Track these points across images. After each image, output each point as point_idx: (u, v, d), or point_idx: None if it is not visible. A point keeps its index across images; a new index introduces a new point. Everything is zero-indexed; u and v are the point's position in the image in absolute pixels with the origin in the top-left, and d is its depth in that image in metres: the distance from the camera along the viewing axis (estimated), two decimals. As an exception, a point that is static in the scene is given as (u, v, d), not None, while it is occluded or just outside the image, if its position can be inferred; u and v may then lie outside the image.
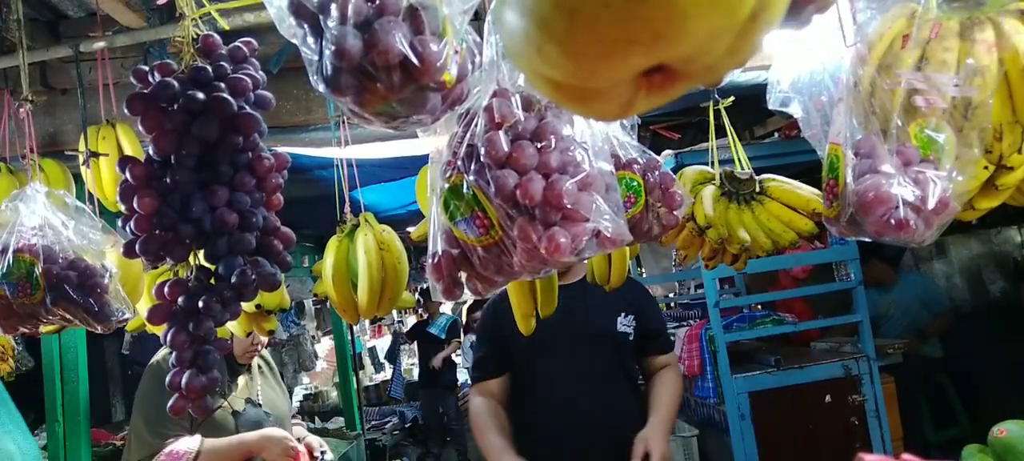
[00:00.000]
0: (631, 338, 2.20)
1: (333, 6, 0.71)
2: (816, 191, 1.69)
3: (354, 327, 6.03)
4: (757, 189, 1.75)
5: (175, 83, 1.00)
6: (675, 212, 1.23)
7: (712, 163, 1.81)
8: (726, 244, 1.74)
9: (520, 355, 2.18)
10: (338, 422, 5.20)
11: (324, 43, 0.72)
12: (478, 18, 0.98)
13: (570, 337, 2.14)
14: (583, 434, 2.08)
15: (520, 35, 0.38)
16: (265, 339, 2.25)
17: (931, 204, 1.04)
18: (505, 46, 0.43)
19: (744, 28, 0.36)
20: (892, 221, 1.05)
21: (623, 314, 2.21)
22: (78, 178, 1.76)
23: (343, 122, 1.64)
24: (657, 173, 1.20)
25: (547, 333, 2.08)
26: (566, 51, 0.37)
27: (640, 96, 0.42)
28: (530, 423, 2.15)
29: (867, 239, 1.19)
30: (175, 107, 1.01)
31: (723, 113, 1.79)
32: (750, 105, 1.83)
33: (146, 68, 1.03)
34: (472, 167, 0.90)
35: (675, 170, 2.02)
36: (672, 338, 2.51)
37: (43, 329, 1.36)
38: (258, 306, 1.58)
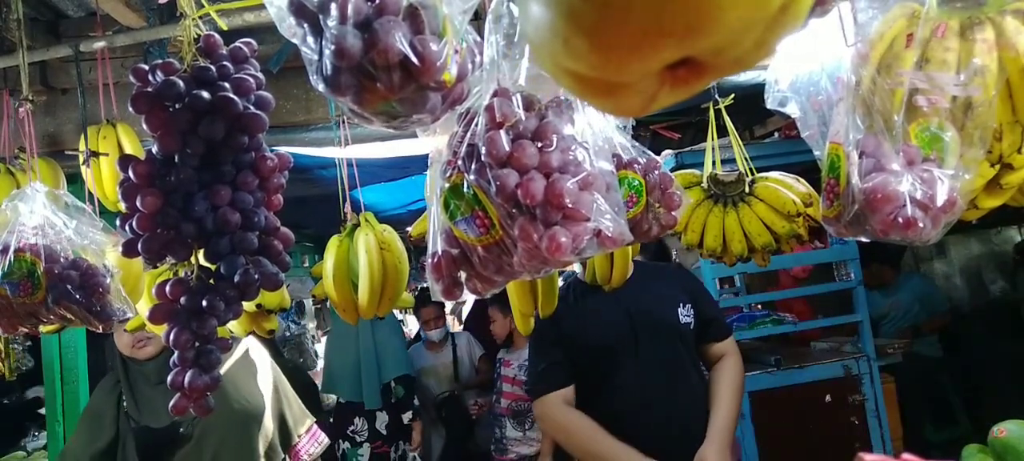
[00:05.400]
0: (692, 328, 2.12)
1: (333, 6, 0.71)
2: (804, 189, 1.69)
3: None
4: (746, 190, 1.75)
5: (180, 82, 1.01)
6: (673, 212, 1.23)
7: (713, 163, 1.81)
8: (700, 248, 1.75)
9: (588, 360, 2.06)
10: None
11: (324, 43, 0.72)
12: (478, 18, 0.98)
13: (638, 337, 2.04)
14: (664, 439, 1.97)
15: (545, 27, 0.38)
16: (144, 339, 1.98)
17: (939, 202, 1.04)
18: (527, 39, 0.42)
19: (774, 20, 0.36)
20: (900, 220, 1.04)
21: (682, 304, 2.12)
22: (71, 178, 1.77)
23: (343, 122, 1.65)
24: (657, 173, 1.21)
25: (613, 335, 2.05)
26: (595, 43, 0.36)
27: (664, 90, 0.41)
28: (605, 425, 2.00)
29: (867, 239, 1.19)
30: (180, 106, 1.01)
31: (723, 113, 1.79)
32: (750, 105, 1.83)
33: (146, 67, 1.03)
34: (473, 166, 0.90)
35: (674, 170, 2.02)
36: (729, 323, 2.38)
37: (43, 329, 1.37)
38: (259, 306, 1.58)
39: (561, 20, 0.36)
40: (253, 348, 2.20)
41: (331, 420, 4.07)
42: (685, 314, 2.12)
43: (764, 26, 0.36)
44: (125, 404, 1.97)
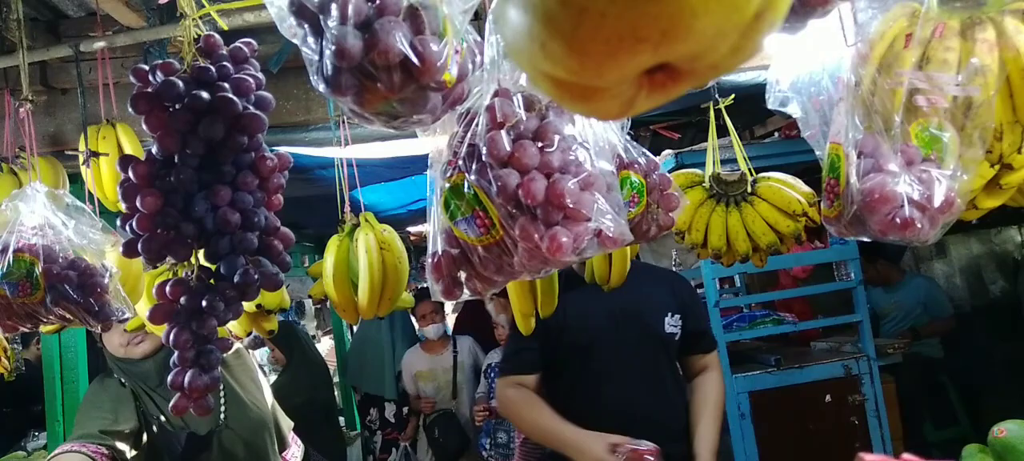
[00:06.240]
0: (677, 338, 2.13)
1: (333, 6, 0.71)
2: (808, 190, 1.69)
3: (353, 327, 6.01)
4: (748, 189, 1.75)
5: (180, 83, 1.01)
6: (671, 213, 1.23)
7: (715, 163, 1.81)
8: (703, 247, 1.75)
9: (566, 354, 2.09)
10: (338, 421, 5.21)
11: (324, 43, 0.72)
12: (478, 18, 0.98)
13: (617, 338, 2.06)
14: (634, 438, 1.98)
15: (523, 31, 0.38)
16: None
17: (937, 203, 1.04)
18: (506, 43, 0.43)
19: (749, 27, 0.36)
20: (897, 220, 1.04)
21: (671, 313, 2.12)
22: (71, 178, 1.76)
23: (343, 122, 1.64)
24: (656, 174, 1.21)
25: (596, 332, 2.07)
26: (572, 48, 0.36)
27: (641, 95, 0.42)
28: (577, 424, 2.02)
29: (867, 239, 1.19)
30: (180, 106, 1.01)
31: (723, 113, 1.79)
32: (750, 105, 1.83)
33: (146, 67, 1.03)
34: (473, 167, 0.90)
35: (674, 170, 2.02)
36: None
37: (43, 329, 1.37)
38: (259, 306, 1.58)
39: (538, 25, 0.37)
40: (243, 352, 2.18)
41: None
42: (672, 323, 2.12)
43: (739, 33, 0.36)
44: (143, 405, 1.94)
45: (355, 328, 5.29)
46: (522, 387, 2.10)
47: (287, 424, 2.23)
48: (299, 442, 2.31)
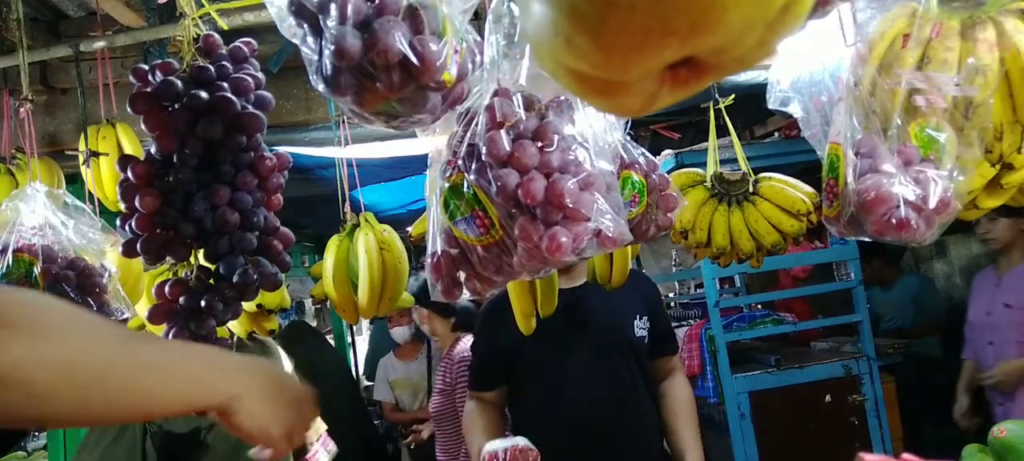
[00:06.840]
0: (645, 341, 2.08)
1: (333, 6, 0.71)
2: (810, 189, 1.69)
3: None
4: (750, 189, 1.74)
5: (178, 82, 1.01)
6: (670, 213, 1.23)
7: (714, 163, 1.81)
8: (707, 246, 1.74)
9: (530, 365, 2.03)
10: (338, 422, 5.23)
11: (324, 43, 0.72)
12: (478, 18, 0.98)
13: (586, 345, 2.00)
14: (606, 448, 1.95)
15: (547, 24, 0.38)
16: None
17: (932, 203, 1.04)
18: (528, 36, 0.42)
19: (775, 20, 0.36)
20: (893, 221, 1.05)
21: (638, 316, 2.07)
22: (71, 178, 1.76)
23: (343, 122, 1.64)
24: (656, 174, 1.21)
25: (561, 341, 2.00)
26: (598, 42, 0.36)
27: (664, 90, 0.42)
28: (546, 438, 1.92)
29: (867, 239, 1.19)
30: (178, 106, 1.01)
31: (723, 113, 1.78)
32: (750, 105, 1.83)
33: (146, 67, 1.04)
34: (473, 166, 0.89)
35: (673, 170, 2.02)
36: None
37: (43, 329, 1.36)
38: (259, 306, 1.58)
39: (563, 18, 0.36)
40: (271, 346, 2.14)
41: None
42: (640, 326, 2.07)
43: (766, 26, 0.36)
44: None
45: (354, 327, 5.37)
46: (481, 403, 2.05)
47: (314, 426, 2.18)
48: (329, 447, 2.25)
